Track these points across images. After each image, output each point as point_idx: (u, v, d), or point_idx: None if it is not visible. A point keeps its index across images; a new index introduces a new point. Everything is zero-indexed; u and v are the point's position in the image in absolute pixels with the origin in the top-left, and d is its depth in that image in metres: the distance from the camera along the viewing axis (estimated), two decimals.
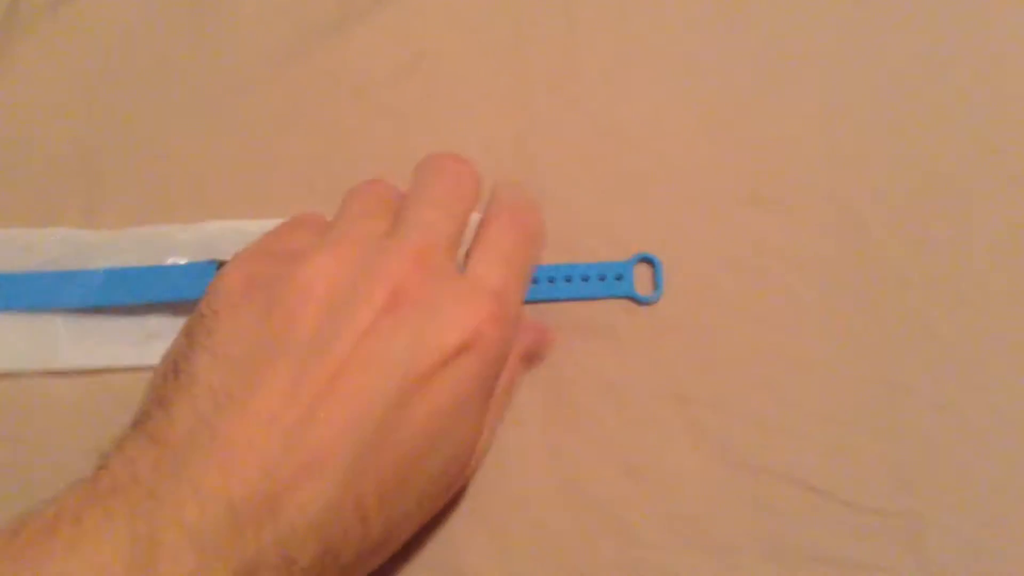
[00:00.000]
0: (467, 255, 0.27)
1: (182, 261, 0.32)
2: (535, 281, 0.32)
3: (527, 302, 0.32)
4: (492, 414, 0.28)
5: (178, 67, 0.36)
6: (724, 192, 0.33)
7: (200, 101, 0.35)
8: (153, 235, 0.33)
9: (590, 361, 0.31)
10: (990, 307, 0.32)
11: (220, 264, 0.32)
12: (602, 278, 0.32)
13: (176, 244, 0.33)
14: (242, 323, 0.25)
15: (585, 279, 0.32)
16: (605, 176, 0.34)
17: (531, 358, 0.32)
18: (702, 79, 0.35)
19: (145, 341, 0.32)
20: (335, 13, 0.37)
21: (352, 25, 0.36)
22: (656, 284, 0.32)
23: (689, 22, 0.36)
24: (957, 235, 0.32)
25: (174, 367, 0.25)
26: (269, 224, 0.34)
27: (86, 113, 0.35)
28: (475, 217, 0.28)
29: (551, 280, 0.32)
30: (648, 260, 0.32)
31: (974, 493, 0.29)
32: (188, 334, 0.26)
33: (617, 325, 0.32)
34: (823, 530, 0.29)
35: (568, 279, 0.32)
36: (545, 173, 0.34)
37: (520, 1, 0.36)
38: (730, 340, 0.31)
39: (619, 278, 0.32)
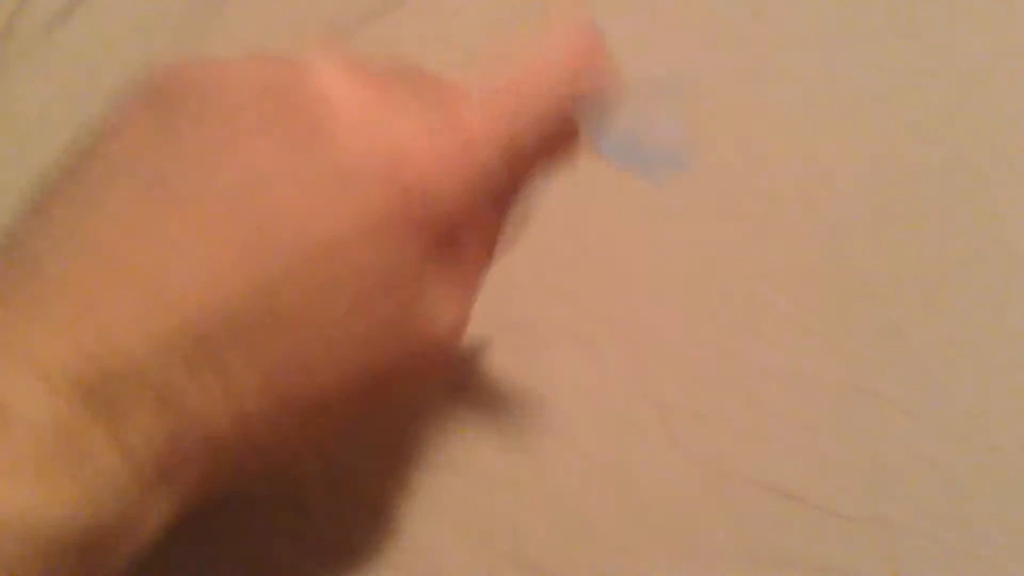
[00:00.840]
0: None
1: None
2: None
3: None
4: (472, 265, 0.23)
5: None
6: (695, 203, 0.33)
7: None
8: None
9: (570, 370, 0.31)
10: (961, 315, 0.32)
11: None
12: None
13: None
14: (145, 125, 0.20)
15: None
16: (579, 182, 0.34)
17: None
18: None
19: None
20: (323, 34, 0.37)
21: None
22: None
23: (664, 33, 0.36)
24: (928, 244, 0.33)
25: (65, 159, 0.20)
26: None
27: (77, 130, 0.36)
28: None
29: None
30: None
31: (947, 498, 0.29)
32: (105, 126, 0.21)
33: (597, 333, 0.32)
34: (798, 536, 0.29)
35: None
36: None
37: (502, 25, 0.37)
38: (706, 349, 0.31)
39: None
